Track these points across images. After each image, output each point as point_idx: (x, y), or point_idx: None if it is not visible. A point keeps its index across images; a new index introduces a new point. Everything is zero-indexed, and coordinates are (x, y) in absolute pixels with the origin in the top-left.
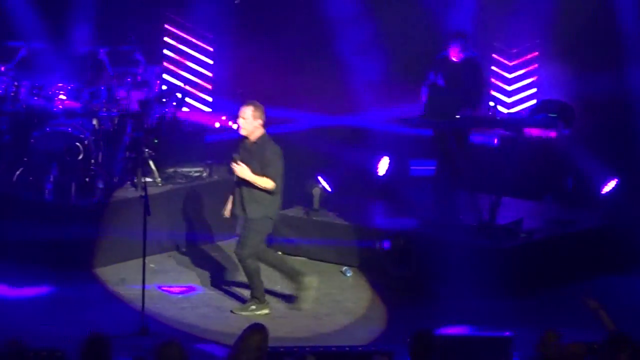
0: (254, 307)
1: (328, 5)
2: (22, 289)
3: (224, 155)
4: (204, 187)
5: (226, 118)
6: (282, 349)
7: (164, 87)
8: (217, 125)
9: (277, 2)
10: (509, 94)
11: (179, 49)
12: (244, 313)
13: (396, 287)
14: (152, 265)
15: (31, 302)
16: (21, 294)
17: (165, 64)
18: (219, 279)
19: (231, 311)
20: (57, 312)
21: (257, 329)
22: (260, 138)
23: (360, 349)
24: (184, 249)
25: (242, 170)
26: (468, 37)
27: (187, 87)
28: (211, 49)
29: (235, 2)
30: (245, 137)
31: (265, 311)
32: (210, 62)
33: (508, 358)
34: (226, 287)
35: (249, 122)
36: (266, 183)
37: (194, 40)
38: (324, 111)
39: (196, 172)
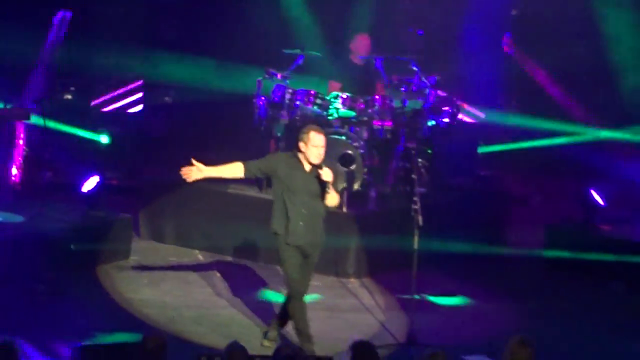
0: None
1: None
2: None
3: (495, 166)
4: (473, 198)
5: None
6: None
7: (438, 97)
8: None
9: None
10: None
11: None
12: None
13: None
14: None
15: None
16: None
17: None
18: (488, 291)
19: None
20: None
21: (523, 343)
22: None
23: None
24: (452, 260)
25: (330, 173)
26: None
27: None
28: None
29: None
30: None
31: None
32: None
33: None
34: (494, 300)
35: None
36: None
37: None
38: (596, 124)
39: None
